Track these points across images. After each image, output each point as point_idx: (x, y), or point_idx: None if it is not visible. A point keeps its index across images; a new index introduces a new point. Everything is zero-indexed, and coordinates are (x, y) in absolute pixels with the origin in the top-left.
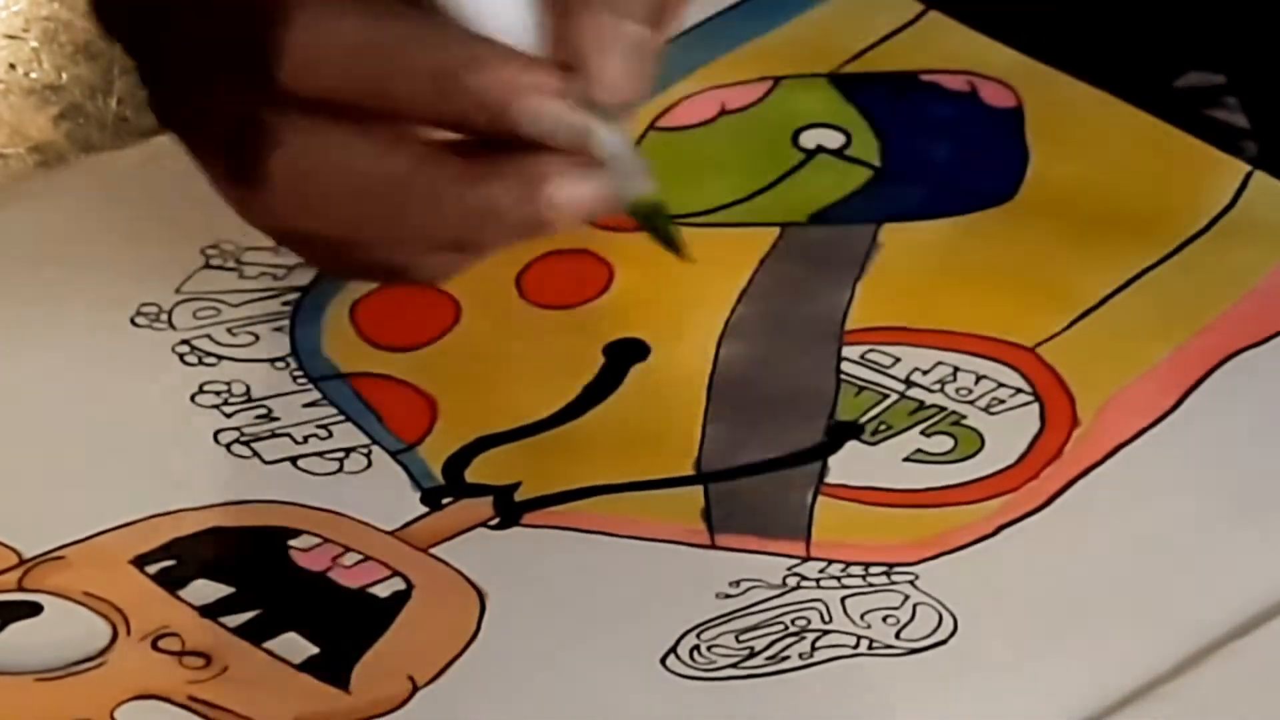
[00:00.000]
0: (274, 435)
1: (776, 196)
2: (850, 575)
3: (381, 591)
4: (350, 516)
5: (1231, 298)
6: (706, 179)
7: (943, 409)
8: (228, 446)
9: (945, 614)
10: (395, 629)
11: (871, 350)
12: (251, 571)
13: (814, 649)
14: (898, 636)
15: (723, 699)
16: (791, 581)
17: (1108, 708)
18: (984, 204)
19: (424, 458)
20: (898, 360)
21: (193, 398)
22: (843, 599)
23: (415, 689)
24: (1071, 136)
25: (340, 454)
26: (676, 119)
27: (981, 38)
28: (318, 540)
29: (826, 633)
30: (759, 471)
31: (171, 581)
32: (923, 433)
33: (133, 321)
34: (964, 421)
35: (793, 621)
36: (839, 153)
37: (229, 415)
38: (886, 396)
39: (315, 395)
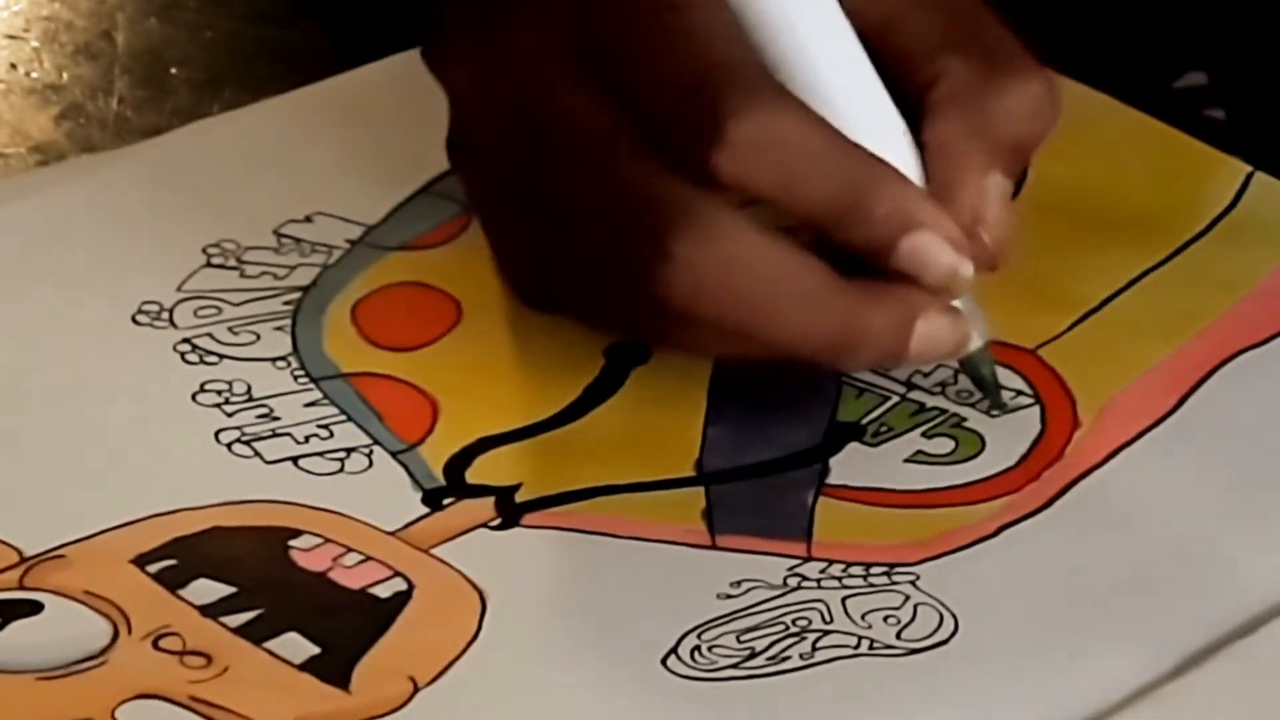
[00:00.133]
0: (275, 435)
1: None
2: (851, 576)
3: (382, 592)
4: (351, 517)
5: (1232, 299)
6: None
7: (944, 411)
8: (229, 446)
9: (946, 614)
10: (396, 629)
11: None
12: (252, 571)
13: (815, 649)
14: (899, 637)
15: (723, 699)
16: (792, 582)
17: (1108, 708)
18: None
19: (425, 458)
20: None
21: (193, 397)
22: (844, 599)
23: (416, 689)
24: (1071, 138)
25: (341, 454)
26: None
27: None
28: (319, 540)
29: (827, 633)
30: (760, 472)
31: (172, 581)
32: (924, 434)
33: (133, 320)
34: (965, 423)
35: (793, 622)
36: None
37: (230, 414)
38: (888, 398)
39: (316, 395)
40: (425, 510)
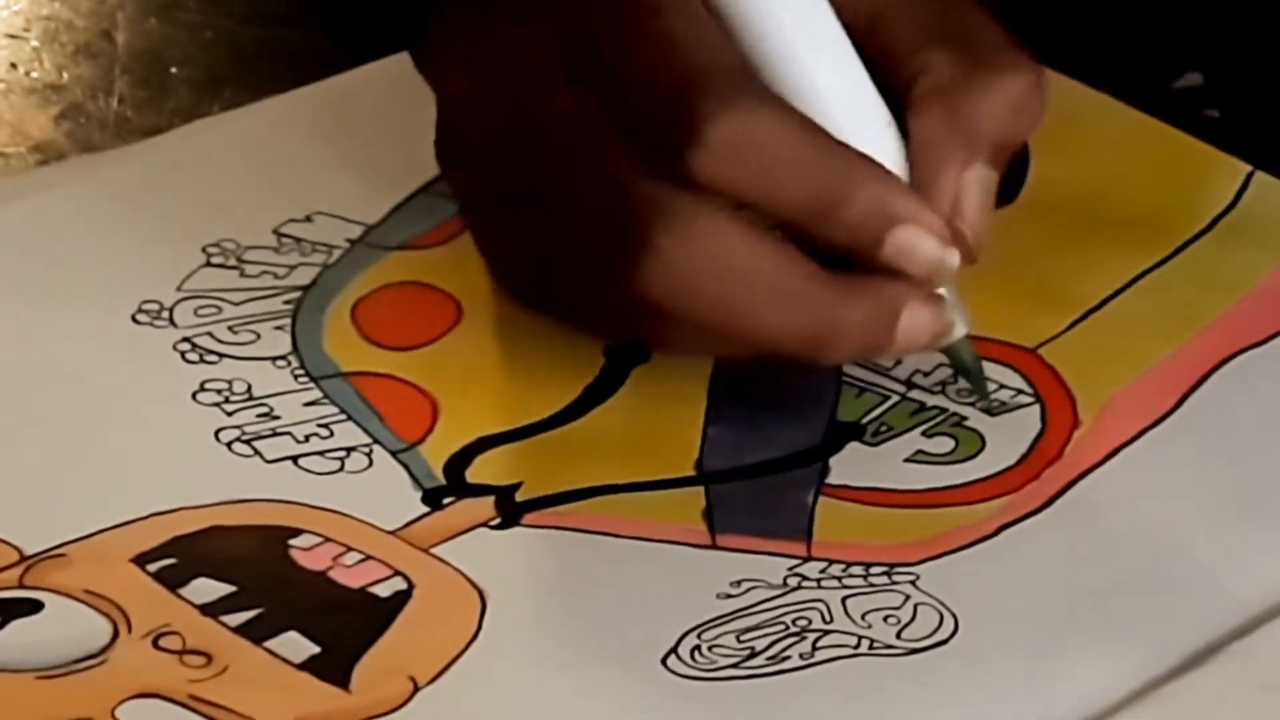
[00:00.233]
0: (275, 434)
1: None
2: (851, 575)
3: (382, 591)
4: (351, 516)
5: (1232, 298)
6: None
7: (944, 410)
8: (229, 445)
9: (946, 614)
10: (396, 629)
11: None
12: (252, 570)
13: (815, 649)
14: (899, 637)
15: (723, 699)
16: (792, 582)
17: (1108, 708)
18: None
19: (425, 457)
20: (899, 362)
21: (194, 396)
22: (844, 599)
23: (416, 689)
24: (1072, 138)
25: (341, 453)
26: None
27: None
28: (319, 539)
29: (827, 633)
30: (760, 472)
31: (172, 580)
32: (924, 434)
33: (134, 319)
34: (965, 423)
35: (794, 622)
36: None
37: (230, 414)
38: (887, 398)
39: (316, 394)
40: (425, 509)
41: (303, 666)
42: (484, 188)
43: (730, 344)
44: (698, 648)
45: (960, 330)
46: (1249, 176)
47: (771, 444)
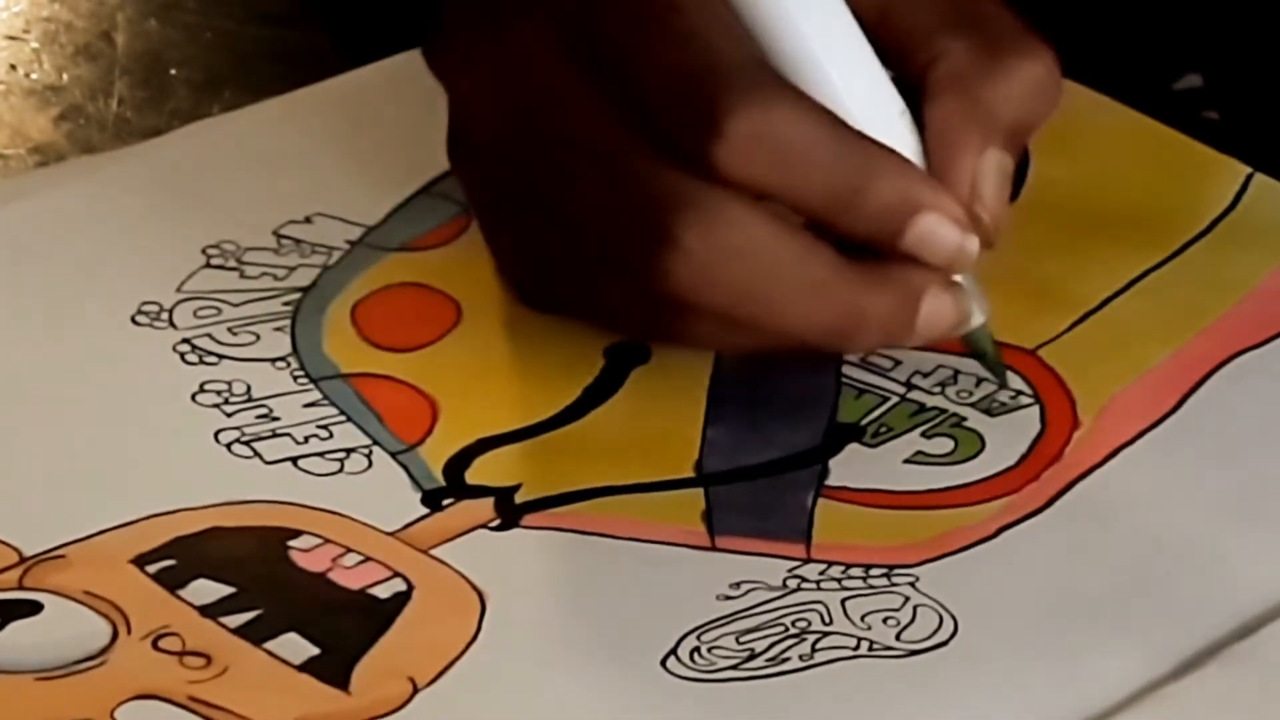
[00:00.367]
0: (275, 435)
1: None
2: (851, 577)
3: (382, 592)
4: (351, 517)
5: (1232, 299)
6: None
7: (943, 411)
8: (228, 446)
9: (946, 616)
10: (395, 630)
11: (872, 353)
12: (252, 572)
13: (814, 651)
14: (898, 638)
15: (723, 700)
16: (792, 583)
17: (1108, 709)
18: None
19: (425, 459)
20: (898, 363)
21: (193, 397)
22: (843, 601)
23: (415, 690)
24: (1071, 140)
25: (341, 454)
26: None
27: None
28: (318, 540)
29: (827, 634)
30: (759, 473)
31: (172, 581)
32: (923, 434)
33: (133, 320)
34: (964, 423)
35: (793, 623)
36: None
37: (229, 415)
38: (887, 399)
39: (316, 395)
40: (425, 511)
41: (302, 668)
42: (496, 185)
43: (753, 336)
44: (697, 649)
45: (979, 318)
46: (1248, 178)
47: (771, 445)
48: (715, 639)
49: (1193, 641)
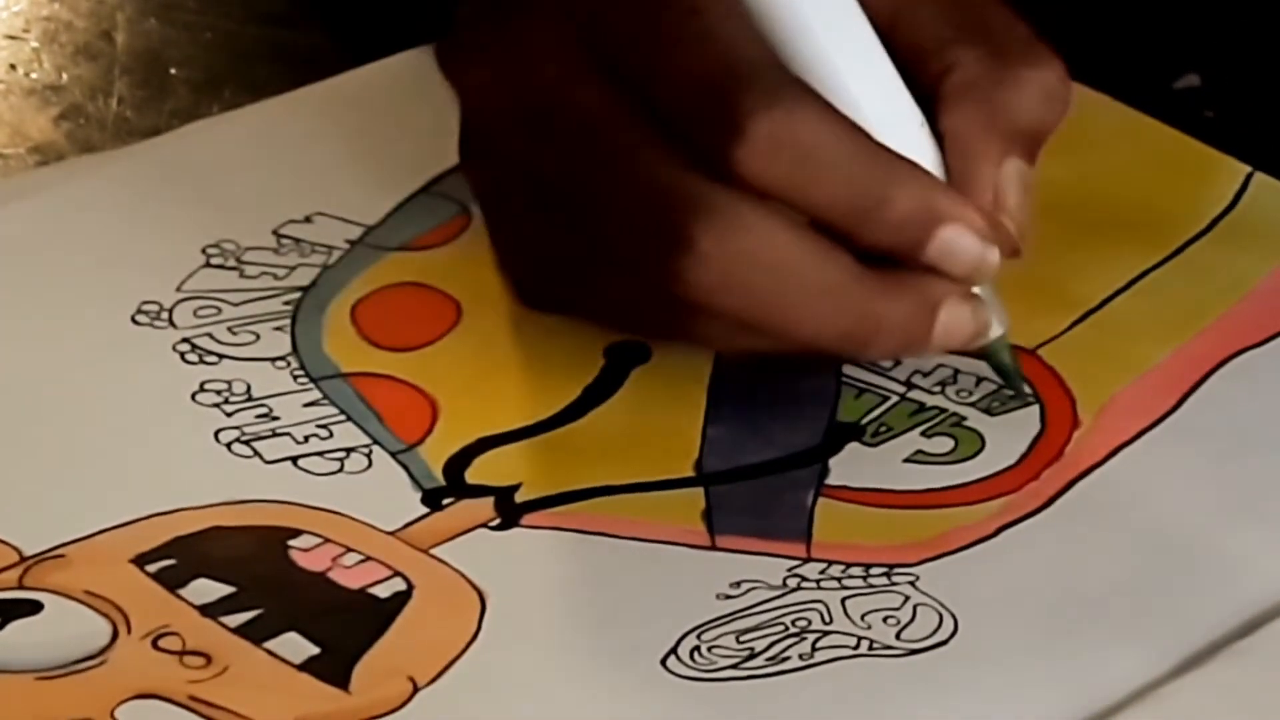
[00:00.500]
0: (274, 435)
1: None
2: (851, 576)
3: (382, 592)
4: (351, 516)
5: (1232, 299)
6: None
7: (943, 410)
8: (228, 445)
9: (946, 615)
10: (395, 629)
11: None
12: (252, 571)
13: (814, 650)
14: (898, 637)
15: (723, 700)
16: (792, 582)
17: (1108, 708)
18: None
19: (425, 458)
20: (898, 363)
21: (193, 396)
22: (843, 600)
23: (415, 689)
24: (1071, 139)
25: (341, 454)
26: None
27: None
28: (318, 540)
29: (827, 633)
30: (759, 473)
31: (172, 581)
32: (923, 434)
33: (133, 320)
34: (964, 423)
35: (793, 622)
36: None
37: (229, 414)
38: (887, 398)
39: (316, 395)
40: (425, 510)
41: (302, 667)
42: (507, 185)
43: (766, 340)
44: (697, 648)
45: (998, 329)
46: (1248, 177)
47: (771, 444)
48: (715, 638)
49: (1193, 640)
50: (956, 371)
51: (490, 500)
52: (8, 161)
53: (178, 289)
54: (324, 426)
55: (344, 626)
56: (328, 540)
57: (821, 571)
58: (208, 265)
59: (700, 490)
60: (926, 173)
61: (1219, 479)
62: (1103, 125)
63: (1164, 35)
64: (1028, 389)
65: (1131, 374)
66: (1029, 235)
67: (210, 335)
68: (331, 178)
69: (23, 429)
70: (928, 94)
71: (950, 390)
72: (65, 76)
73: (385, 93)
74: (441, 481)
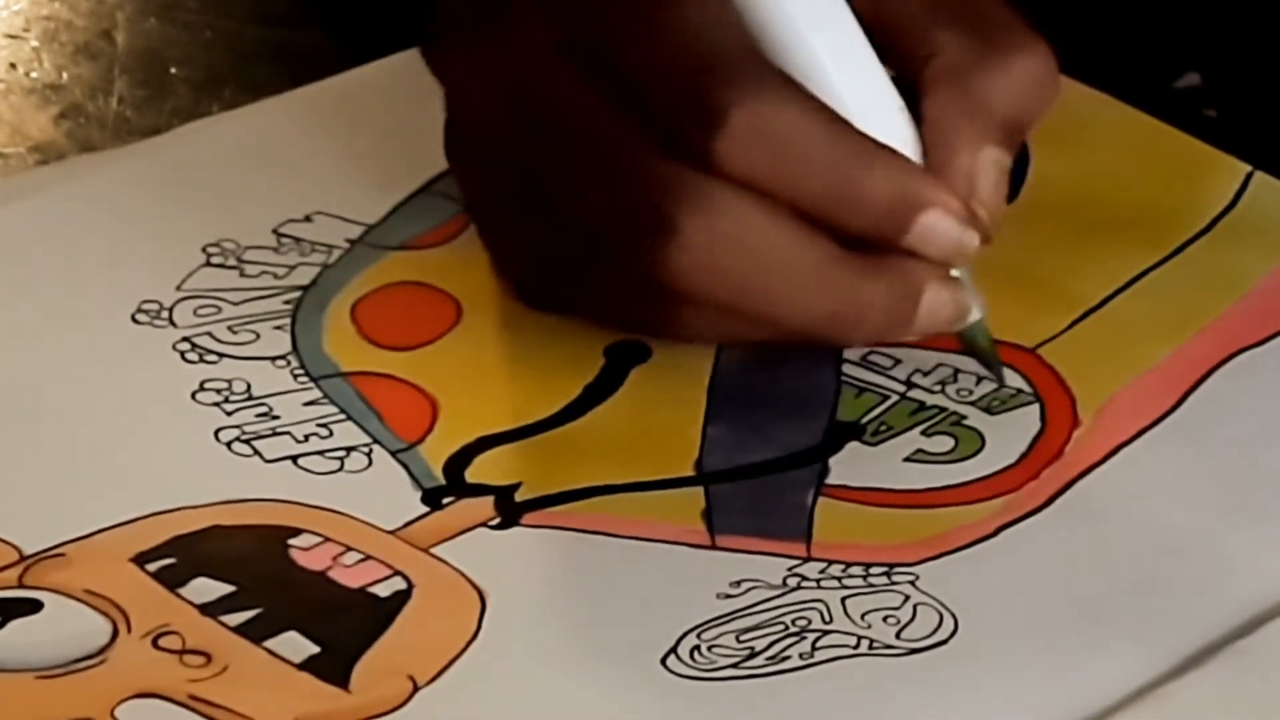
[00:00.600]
0: (274, 434)
1: None
2: (851, 575)
3: (382, 591)
4: (351, 515)
5: (1232, 298)
6: None
7: (943, 409)
8: (228, 444)
9: (946, 614)
10: (395, 628)
11: (872, 352)
12: (252, 570)
13: (814, 649)
14: (898, 637)
15: (723, 699)
16: (792, 582)
17: (1108, 708)
18: None
19: (425, 457)
20: (898, 362)
21: (193, 395)
22: (843, 599)
23: (415, 689)
24: (1071, 138)
25: (341, 453)
26: None
27: None
28: (318, 539)
29: (827, 633)
30: (759, 472)
31: (172, 580)
32: (923, 433)
33: (133, 319)
34: (964, 422)
35: (793, 622)
36: None
37: (229, 413)
38: (887, 398)
39: (316, 394)
40: (425, 509)
41: (302, 666)
42: (493, 182)
43: (753, 327)
44: (697, 648)
45: (976, 313)
46: (1249, 176)
47: (771, 444)
48: (715, 637)
49: (1193, 639)
50: (957, 371)
51: (490, 499)
52: (8, 161)
53: (178, 288)
54: (324, 425)
55: (344, 625)
56: (328, 539)
57: (821, 571)
58: (208, 264)
59: (700, 490)
60: (905, 159)
61: (1219, 478)
62: (1103, 125)
63: (1164, 34)
64: (1026, 385)
65: (1131, 373)
66: (1000, 223)
67: (210, 334)
68: (331, 177)
69: (23, 428)
70: (911, 78)
71: (950, 389)
72: (65, 76)
73: (385, 93)
74: (441, 480)
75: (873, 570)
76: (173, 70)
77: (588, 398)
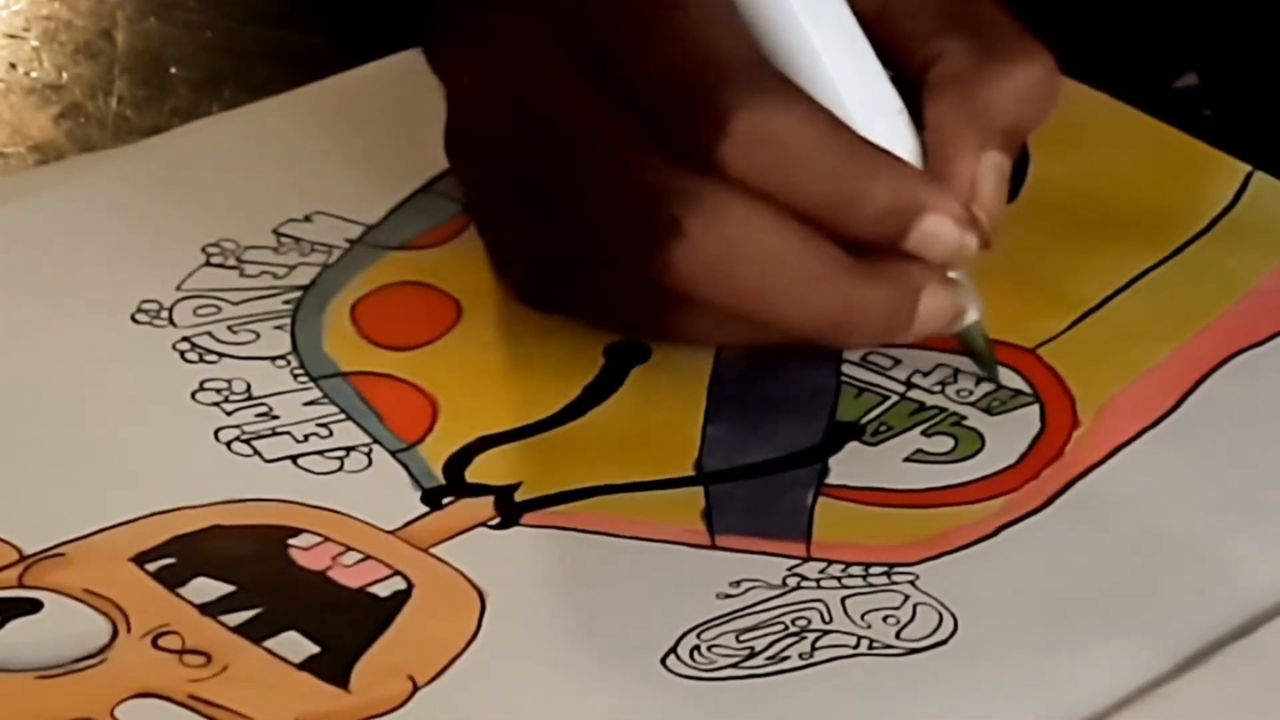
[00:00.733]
0: (274, 433)
1: None
2: (850, 575)
3: (382, 591)
4: (351, 515)
5: (1232, 298)
6: None
7: (943, 410)
8: (228, 444)
9: (945, 614)
10: (395, 628)
11: (872, 352)
12: (252, 570)
13: (814, 649)
14: (898, 637)
15: (723, 699)
16: (792, 582)
17: (1108, 708)
18: None
19: (425, 457)
20: (898, 362)
21: (193, 395)
22: (843, 599)
23: (415, 689)
24: (1071, 138)
25: (341, 453)
26: None
27: None
28: (318, 539)
29: (827, 633)
30: (759, 472)
31: (172, 579)
32: (923, 433)
33: (133, 319)
34: (964, 422)
35: (793, 622)
36: None
37: (229, 413)
38: (887, 398)
39: (316, 394)
40: (425, 509)
41: (302, 666)
42: (493, 182)
43: (753, 330)
44: (697, 648)
45: (973, 314)
46: (1248, 176)
47: (771, 444)
48: (715, 637)
49: (1193, 639)
50: (957, 371)
51: (490, 499)
52: (8, 160)
53: (178, 288)
54: (324, 425)
55: (344, 625)
56: (327, 539)
57: (821, 571)
58: (208, 264)
59: (700, 489)
60: (905, 164)
61: (1219, 479)
62: (1103, 125)
63: (1163, 34)
64: (1025, 385)
65: (1131, 374)
66: (1000, 228)
67: (210, 334)
68: (331, 177)
69: (23, 428)
70: (914, 84)
71: (950, 390)
72: (65, 75)
73: (385, 93)
74: (441, 480)
75: (872, 570)
76: (173, 70)
77: (588, 398)
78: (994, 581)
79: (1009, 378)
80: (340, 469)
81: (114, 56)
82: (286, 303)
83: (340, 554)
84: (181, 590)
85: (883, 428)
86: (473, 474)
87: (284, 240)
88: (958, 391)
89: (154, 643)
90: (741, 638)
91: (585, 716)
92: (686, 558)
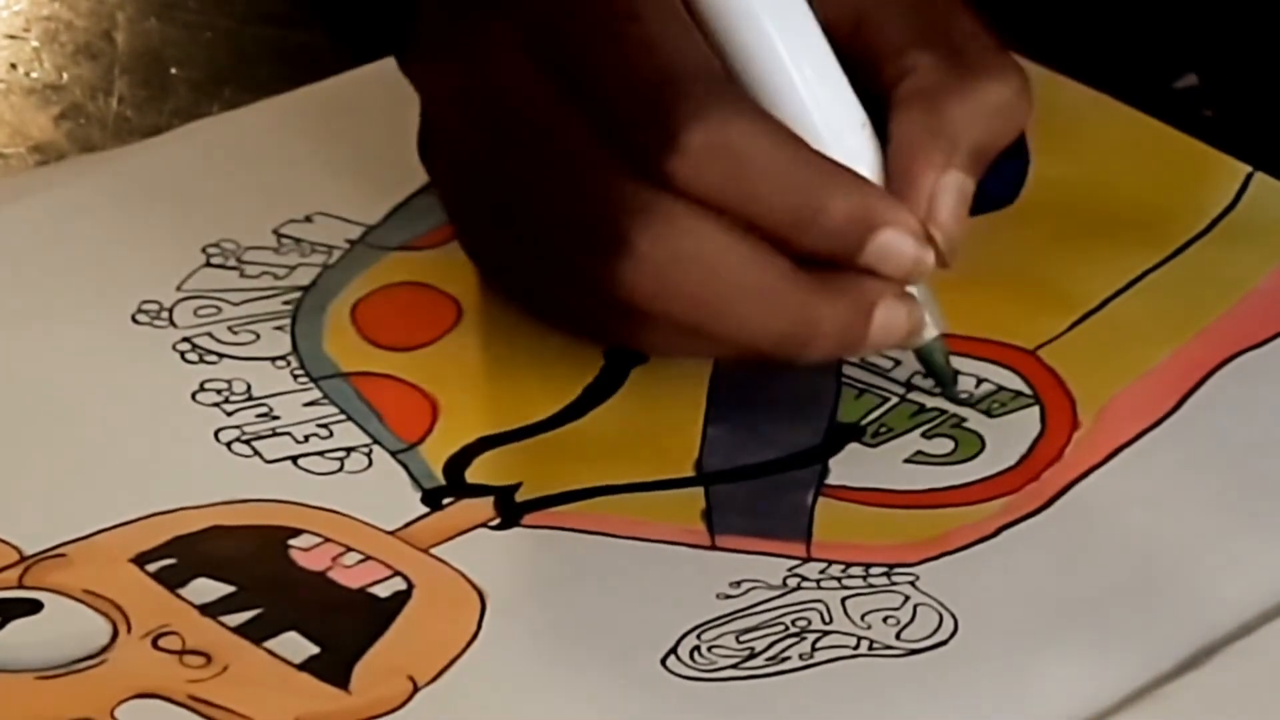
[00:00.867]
0: (275, 434)
1: None
2: (851, 576)
3: (382, 591)
4: (351, 516)
5: (1232, 299)
6: None
7: (943, 411)
8: (228, 445)
9: (946, 615)
10: (395, 629)
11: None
12: (252, 570)
13: (814, 650)
14: (898, 637)
15: (723, 699)
16: (792, 582)
17: (1108, 708)
18: (985, 208)
19: (425, 458)
20: (898, 363)
21: (193, 396)
22: (843, 600)
23: (415, 689)
24: (1072, 139)
25: (341, 453)
26: None
27: None
28: (318, 539)
29: (827, 633)
30: (760, 473)
31: (172, 580)
32: (924, 435)
33: (133, 319)
34: (965, 424)
35: (793, 622)
36: None
37: (229, 414)
38: (887, 399)
39: (316, 394)
40: (425, 510)
41: (302, 666)
42: (465, 189)
43: (709, 344)
44: (697, 648)
45: (933, 331)
46: (1249, 177)
47: (771, 444)
48: (715, 638)
49: (1192, 641)
50: (956, 374)
51: (490, 500)
52: (8, 160)
53: (178, 288)
54: (324, 426)
55: (344, 626)
56: (328, 540)
57: (821, 571)
58: (208, 265)
59: (700, 490)
60: (862, 178)
61: (1219, 480)
62: (1103, 125)
63: (1163, 35)
64: (1027, 389)
65: (1131, 375)
66: (958, 248)
67: (210, 335)
68: (331, 178)
69: (23, 429)
70: (883, 98)
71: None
72: (65, 76)
73: (386, 93)
74: (441, 481)
75: (873, 571)
76: (173, 70)
77: (588, 398)
78: (994, 582)
79: (1009, 379)
80: (340, 469)
81: (114, 57)
82: (287, 303)
83: (340, 554)
84: (182, 591)
85: (883, 429)
86: (473, 474)
87: (284, 241)
88: (958, 393)
89: (154, 643)
90: (742, 638)
91: (585, 717)
92: (687, 558)
